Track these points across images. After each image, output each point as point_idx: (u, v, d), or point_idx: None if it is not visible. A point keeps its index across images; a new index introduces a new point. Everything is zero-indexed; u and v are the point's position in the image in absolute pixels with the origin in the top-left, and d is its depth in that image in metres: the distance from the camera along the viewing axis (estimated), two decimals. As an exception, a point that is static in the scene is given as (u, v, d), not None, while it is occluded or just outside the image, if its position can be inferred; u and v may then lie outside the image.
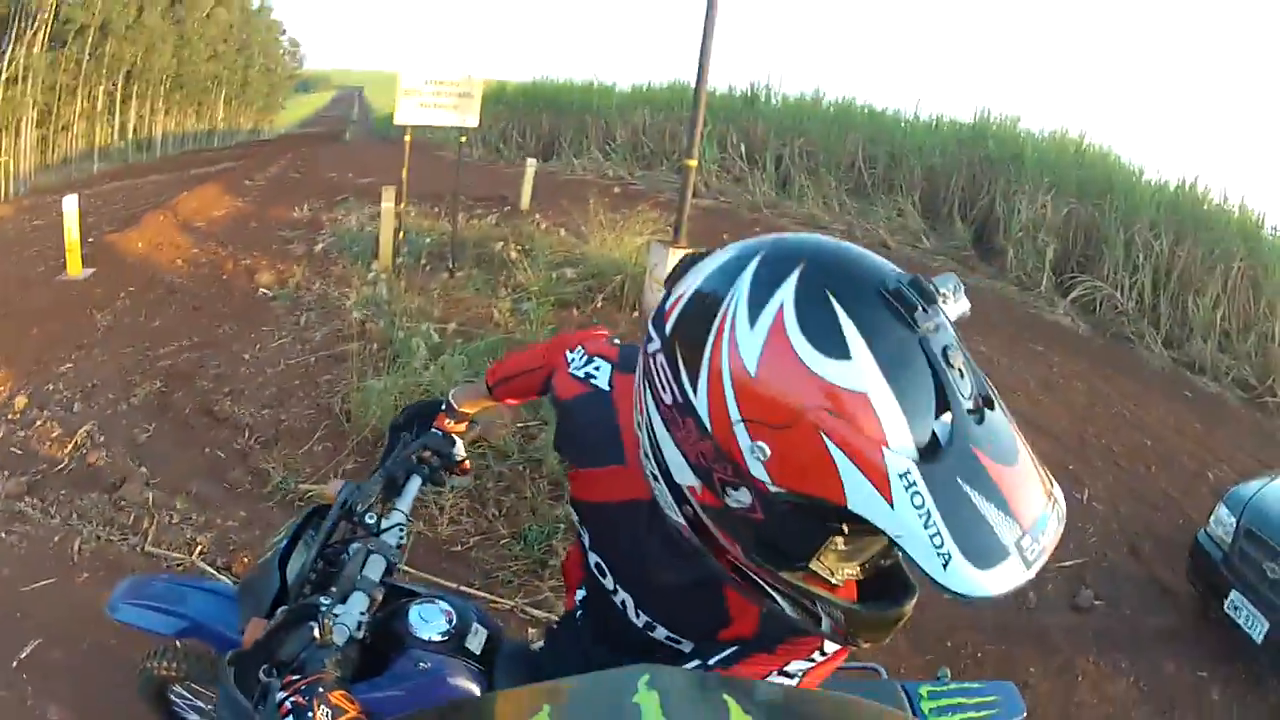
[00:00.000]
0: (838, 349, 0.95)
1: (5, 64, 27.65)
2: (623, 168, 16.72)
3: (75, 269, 8.70)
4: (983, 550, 0.93)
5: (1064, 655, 4.37)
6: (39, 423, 5.92)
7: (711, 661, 1.32)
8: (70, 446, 5.56)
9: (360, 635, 1.68)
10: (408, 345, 6.34)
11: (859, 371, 0.94)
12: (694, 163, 7.43)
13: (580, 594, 1.90)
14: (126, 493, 4.99)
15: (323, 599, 1.72)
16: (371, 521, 1.93)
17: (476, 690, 1.79)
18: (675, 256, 6.51)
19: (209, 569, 4.43)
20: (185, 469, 5.39)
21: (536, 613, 4.25)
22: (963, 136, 14.39)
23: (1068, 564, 5.04)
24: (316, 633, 1.59)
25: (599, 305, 7.58)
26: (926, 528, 0.93)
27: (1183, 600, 4.89)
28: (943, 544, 0.93)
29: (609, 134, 18.44)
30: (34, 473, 5.27)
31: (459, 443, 2.22)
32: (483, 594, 4.33)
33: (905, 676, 3.87)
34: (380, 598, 1.78)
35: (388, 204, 8.97)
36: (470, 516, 4.89)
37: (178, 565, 4.46)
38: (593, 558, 1.64)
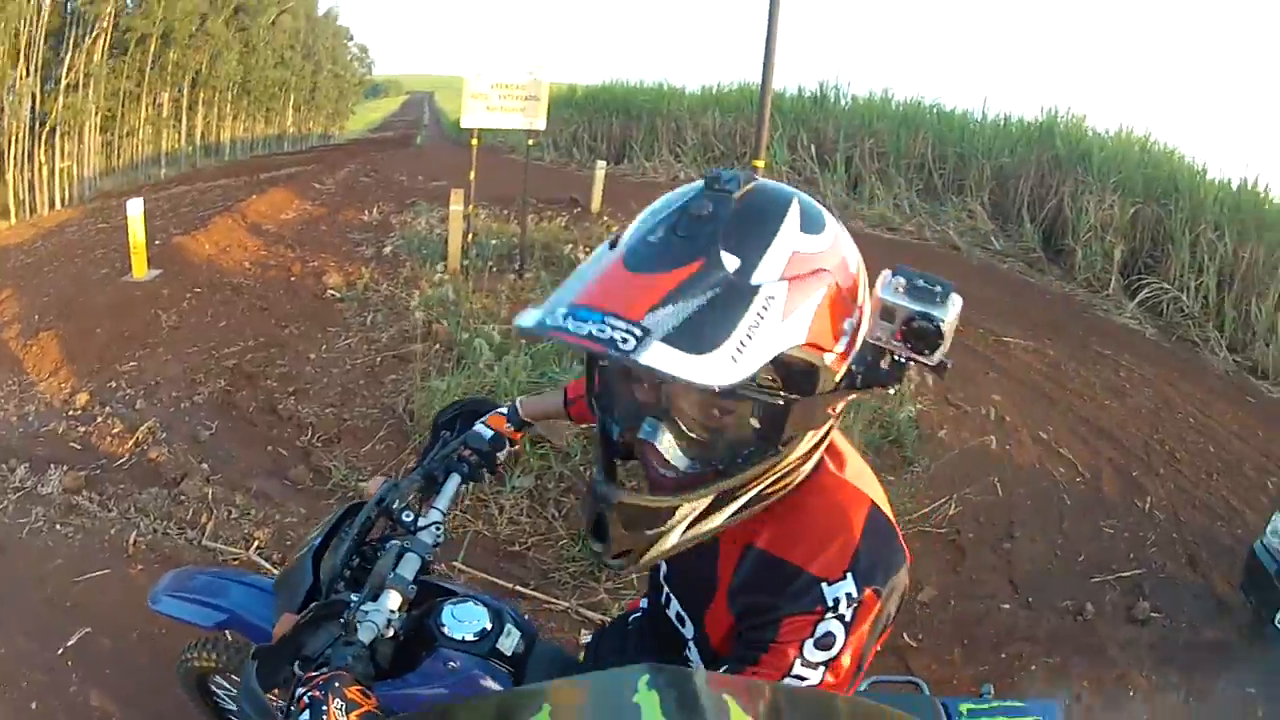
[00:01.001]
0: None
1: (65, 71, 28.32)
2: (694, 169, 16.66)
3: (140, 271, 8.81)
4: (546, 301, 1.19)
5: (1119, 669, 4.26)
6: (100, 419, 6.01)
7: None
8: (131, 443, 5.63)
9: (390, 633, 1.70)
10: (472, 346, 6.34)
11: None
12: (762, 163, 7.23)
13: (645, 601, 1.91)
14: (186, 488, 5.05)
15: (353, 596, 1.75)
16: (408, 520, 1.93)
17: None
18: None
19: (265, 564, 4.48)
20: (246, 466, 5.46)
21: (591, 614, 4.23)
22: (1031, 136, 14.21)
23: (1127, 574, 4.93)
24: (344, 629, 1.65)
25: None
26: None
27: (1238, 613, 4.75)
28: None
29: (679, 136, 18.40)
30: (93, 467, 5.34)
31: (506, 447, 2.20)
32: (538, 594, 4.33)
33: (957, 686, 3.85)
34: (413, 596, 1.79)
35: (456, 207, 9.00)
36: (530, 517, 4.88)
37: (234, 560, 4.52)
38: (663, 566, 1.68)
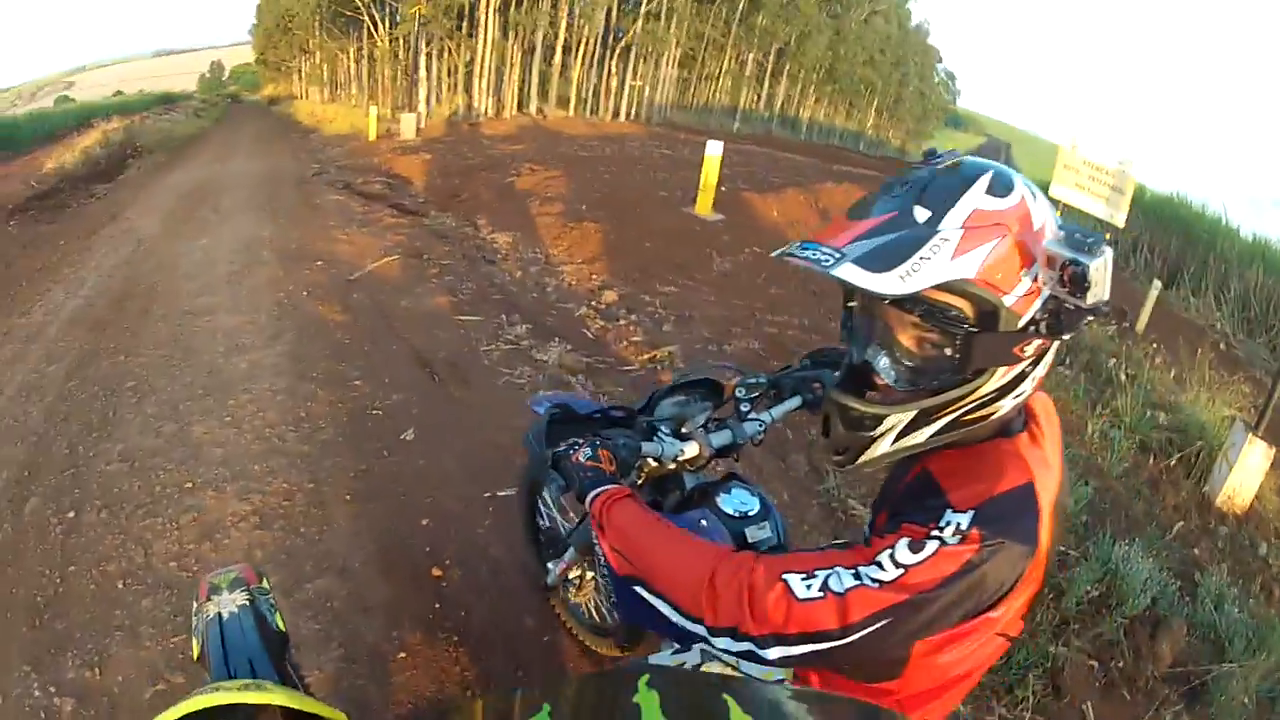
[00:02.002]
0: None
1: None
2: (1230, 324, 14.73)
3: (705, 209, 9.13)
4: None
5: None
6: (622, 323, 6.29)
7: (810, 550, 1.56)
8: (646, 356, 5.79)
9: (671, 467, 2.13)
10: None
11: None
12: None
13: None
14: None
15: (666, 427, 2.18)
16: (744, 409, 2.26)
17: None
18: (1254, 447, 5.81)
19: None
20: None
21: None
22: None
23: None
24: (638, 435, 2.09)
25: (1172, 464, 6.57)
26: None
27: None
28: None
29: (1225, 282, 16.68)
30: (599, 360, 5.57)
31: None
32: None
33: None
34: (709, 456, 2.14)
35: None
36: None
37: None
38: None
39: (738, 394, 2.25)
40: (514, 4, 28.68)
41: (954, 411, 1.45)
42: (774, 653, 1.38)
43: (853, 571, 1.36)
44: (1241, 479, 5.97)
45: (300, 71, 42.45)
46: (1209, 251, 17.52)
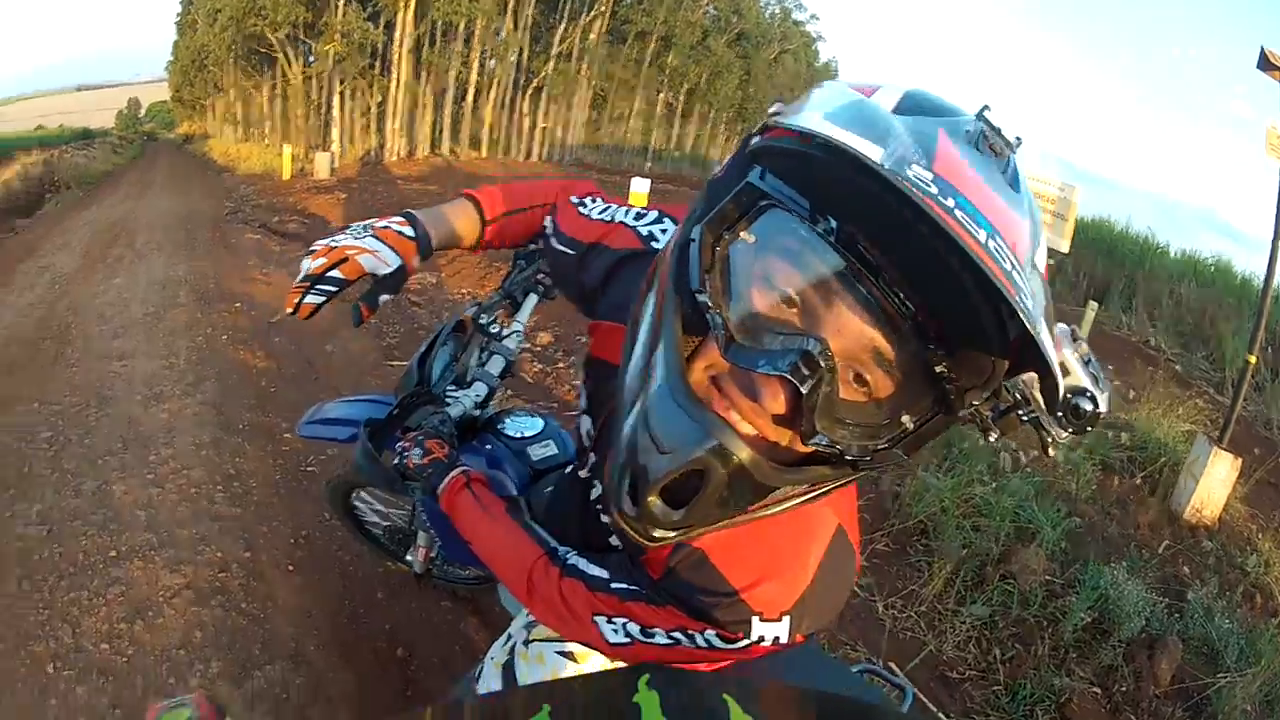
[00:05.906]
0: None
1: (557, 39, 30.37)
2: (1164, 338, 14.76)
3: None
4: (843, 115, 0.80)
5: None
6: (560, 365, 6.29)
7: (612, 585, 1.29)
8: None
9: (476, 414, 2.23)
10: (970, 453, 5.76)
11: None
12: (1254, 359, 6.51)
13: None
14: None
15: (450, 386, 2.26)
16: (495, 331, 2.34)
17: (508, 481, 2.24)
18: (1219, 460, 5.87)
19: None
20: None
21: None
22: None
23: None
24: (439, 407, 2.11)
25: (1138, 481, 6.55)
26: None
27: None
28: None
29: (1154, 298, 16.94)
30: (538, 405, 5.44)
31: None
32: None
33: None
34: (498, 387, 2.30)
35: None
36: (977, 648, 4.29)
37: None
38: (585, 423, 1.50)
39: (481, 321, 2.34)
40: (427, 44, 28.60)
41: (815, 493, 0.98)
42: (598, 658, 1.51)
43: (667, 634, 1.20)
44: (1208, 491, 5.96)
45: (214, 110, 42.00)
46: (1136, 270, 17.84)
